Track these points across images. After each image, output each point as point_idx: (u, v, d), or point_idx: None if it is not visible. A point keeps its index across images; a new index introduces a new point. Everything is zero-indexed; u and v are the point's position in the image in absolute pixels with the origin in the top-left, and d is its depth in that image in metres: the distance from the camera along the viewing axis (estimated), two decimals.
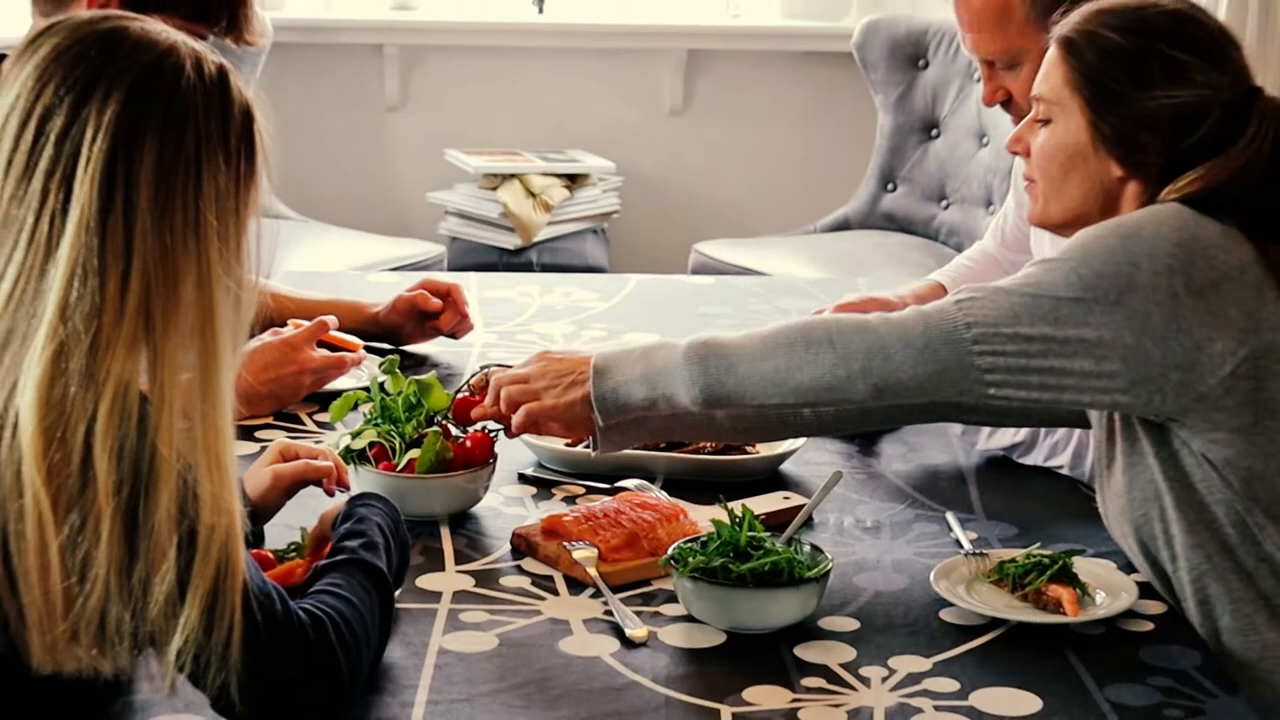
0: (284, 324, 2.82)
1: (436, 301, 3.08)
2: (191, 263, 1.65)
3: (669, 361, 2.22)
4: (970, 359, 2.13)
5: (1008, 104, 2.73)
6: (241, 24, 2.63)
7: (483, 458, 2.38)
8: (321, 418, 2.72)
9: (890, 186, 5.25)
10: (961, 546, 2.31)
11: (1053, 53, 2.26)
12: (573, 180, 5.33)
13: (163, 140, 1.65)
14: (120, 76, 1.66)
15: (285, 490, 2.23)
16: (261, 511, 2.20)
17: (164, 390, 1.63)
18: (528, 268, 5.04)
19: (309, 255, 4.76)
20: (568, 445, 2.52)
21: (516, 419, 2.30)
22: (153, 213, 1.63)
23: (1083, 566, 2.18)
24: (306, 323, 2.81)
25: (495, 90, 5.62)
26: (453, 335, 3.11)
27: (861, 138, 5.40)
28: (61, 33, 1.70)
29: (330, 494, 2.25)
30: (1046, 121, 2.26)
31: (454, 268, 4.98)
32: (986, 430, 2.63)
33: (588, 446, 2.42)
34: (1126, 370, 2.09)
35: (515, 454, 2.52)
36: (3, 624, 1.62)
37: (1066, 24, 2.26)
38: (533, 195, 5.21)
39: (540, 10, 5.62)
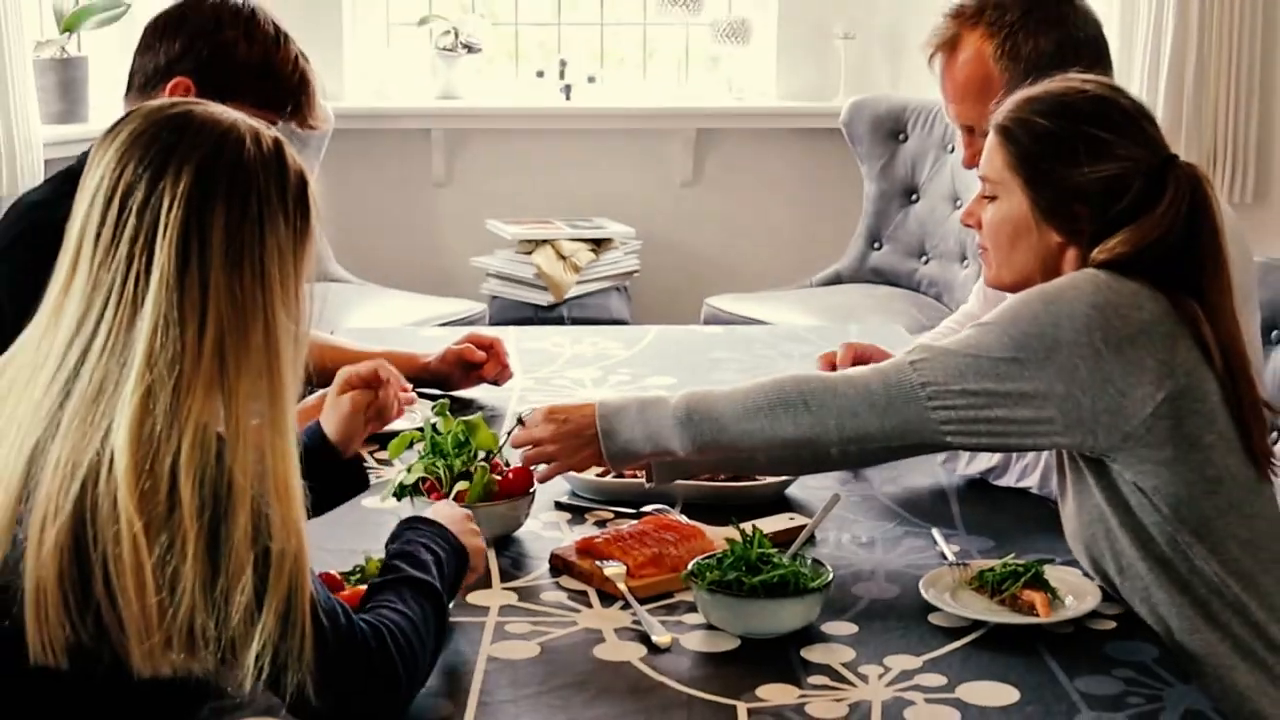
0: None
1: (481, 354, 3.07)
2: (259, 310, 1.67)
3: (663, 424, 2.24)
4: (927, 413, 2.14)
5: None
6: (305, 111, 2.64)
7: (523, 488, 2.38)
8: (381, 455, 2.71)
9: (876, 245, 5.24)
10: (946, 558, 2.30)
11: (992, 138, 2.26)
12: (598, 244, 5.32)
13: (230, 205, 1.67)
14: (190, 153, 1.68)
15: (365, 413, 2.28)
16: (348, 440, 2.22)
17: (237, 425, 1.64)
18: (559, 321, 5.03)
19: (368, 314, 4.76)
20: (598, 476, 2.51)
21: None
22: (224, 269, 1.65)
23: (1052, 573, 2.17)
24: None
25: (529, 167, 5.63)
26: (495, 382, 3.10)
27: (850, 203, 5.39)
28: (136, 119, 1.72)
29: (400, 414, 2.32)
30: (993, 198, 2.26)
31: (495, 322, 4.97)
32: (965, 457, 2.62)
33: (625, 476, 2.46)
34: (1061, 416, 2.09)
35: (552, 484, 2.50)
36: (107, 635, 1.62)
37: (1001, 112, 2.25)
38: (563, 258, 5.21)
39: (568, 98, 5.63)
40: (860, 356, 2.76)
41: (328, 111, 2.77)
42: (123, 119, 1.74)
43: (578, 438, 2.29)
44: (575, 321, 4.99)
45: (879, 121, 5.20)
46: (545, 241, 5.25)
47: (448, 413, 2.48)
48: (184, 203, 1.65)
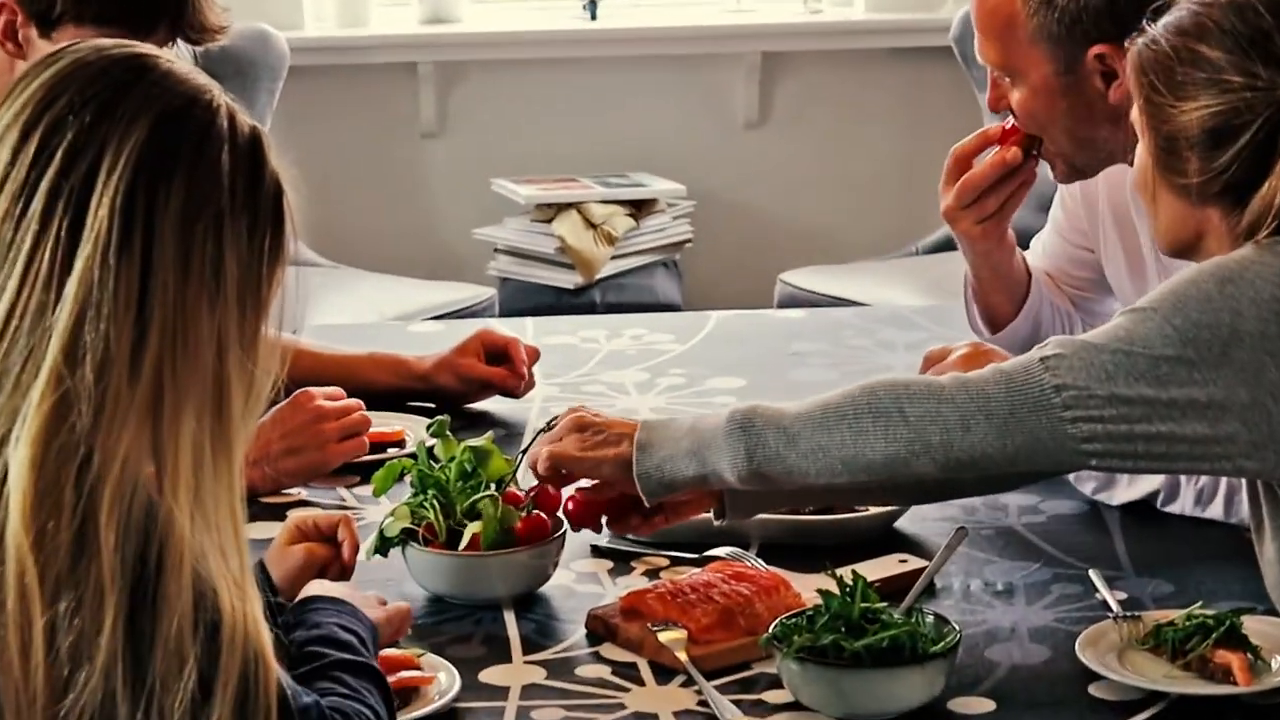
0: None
1: (517, 381, 3.05)
2: (210, 330, 1.64)
3: (715, 434, 2.21)
4: (1063, 427, 2.10)
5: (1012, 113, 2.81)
6: (181, 15, 2.59)
7: (550, 529, 2.36)
8: (362, 491, 2.69)
9: None
10: (1109, 609, 2.28)
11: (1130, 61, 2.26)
12: (638, 207, 5.34)
13: (190, 184, 1.64)
14: (148, 103, 1.65)
15: (318, 570, 2.24)
16: (291, 597, 2.20)
17: (175, 467, 1.62)
18: (591, 309, 5.04)
19: (341, 305, 4.77)
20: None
21: (542, 463, 2.29)
22: (174, 266, 1.63)
23: (1254, 627, 2.14)
24: None
25: (546, 109, 5.65)
26: (512, 394, 3.08)
27: None
28: (85, 50, 1.71)
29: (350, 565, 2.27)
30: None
31: (506, 313, 4.98)
32: (1123, 480, 2.59)
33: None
34: (1247, 432, 2.06)
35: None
36: None
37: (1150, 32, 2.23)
38: (593, 227, 5.23)
39: (593, 16, 5.62)
40: (985, 359, 2.71)
41: (224, 19, 2.67)
42: (66, 47, 1.72)
43: (602, 432, 2.27)
44: (611, 308, 4.99)
45: None
46: (569, 206, 5.27)
47: (448, 433, 2.46)
48: (132, 162, 1.62)
